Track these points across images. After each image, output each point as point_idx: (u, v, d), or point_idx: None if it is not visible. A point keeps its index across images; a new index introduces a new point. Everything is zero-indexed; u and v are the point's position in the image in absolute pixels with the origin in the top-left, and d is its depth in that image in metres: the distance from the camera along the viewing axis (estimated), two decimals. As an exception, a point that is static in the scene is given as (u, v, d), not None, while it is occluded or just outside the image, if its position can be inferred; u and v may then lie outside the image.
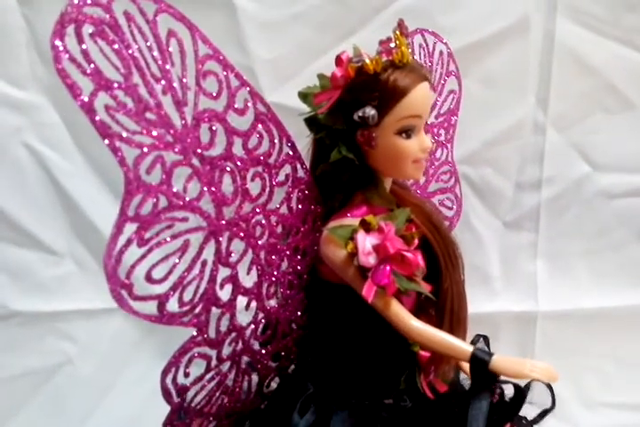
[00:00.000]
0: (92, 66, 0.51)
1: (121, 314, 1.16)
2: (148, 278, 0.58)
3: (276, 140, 0.68)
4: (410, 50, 0.68)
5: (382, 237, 0.67)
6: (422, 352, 0.77)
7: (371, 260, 0.66)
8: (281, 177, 0.70)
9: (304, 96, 0.70)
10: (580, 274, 1.16)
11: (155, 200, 0.57)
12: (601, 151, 1.12)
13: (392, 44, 0.66)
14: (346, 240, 0.67)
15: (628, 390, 1.16)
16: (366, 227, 0.68)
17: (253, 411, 0.80)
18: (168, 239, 0.59)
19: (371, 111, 0.66)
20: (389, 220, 0.70)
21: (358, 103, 0.67)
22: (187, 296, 0.62)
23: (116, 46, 0.53)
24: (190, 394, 0.67)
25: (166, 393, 0.64)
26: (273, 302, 0.73)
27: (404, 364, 0.77)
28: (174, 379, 0.64)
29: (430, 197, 0.95)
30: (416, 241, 0.70)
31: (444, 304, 0.76)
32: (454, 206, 1.00)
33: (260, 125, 0.66)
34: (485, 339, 1.08)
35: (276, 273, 0.72)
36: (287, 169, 0.70)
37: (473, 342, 1.07)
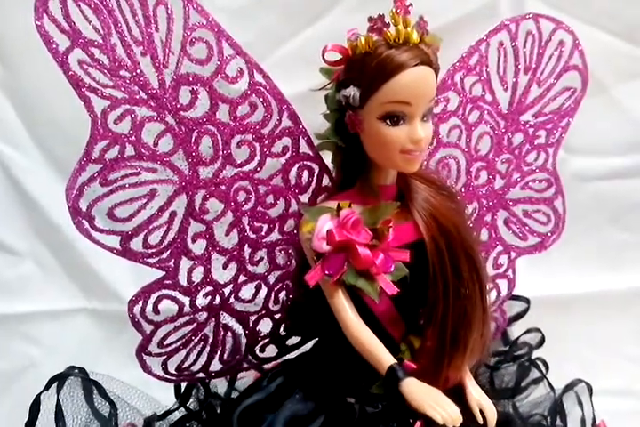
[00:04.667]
0: (70, 24, 0.60)
1: (86, 314, 1.15)
2: (111, 215, 0.66)
3: (273, 112, 0.69)
4: (418, 29, 0.62)
5: (336, 223, 0.64)
6: (408, 362, 0.72)
7: (324, 245, 0.64)
8: (276, 148, 0.71)
9: (326, 72, 0.70)
10: (554, 259, 1.07)
11: (120, 147, 0.65)
12: (573, 135, 0.96)
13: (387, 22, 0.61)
14: (312, 221, 0.66)
15: (606, 376, 1.12)
16: (338, 212, 0.66)
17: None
18: (133, 183, 0.66)
19: (352, 91, 0.63)
20: (372, 211, 0.67)
21: (346, 83, 0.65)
22: (152, 240, 0.69)
23: (97, 10, 0.61)
24: (163, 331, 0.74)
25: (134, 322, 0.72)
26: (259, 269, 0.75)
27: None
28: (143, 311, 0.72)
29: (511, 206, 0.84)
30: (390, 236, 0.65)
31: (430, 316, 0.69)
32: (550, 222, 0.86)
33: (254, 95, 0.68)
34: (588, 386, 0.94)
35: (262, 241, 0.74)
36: (286, 142, 0.71)
37: (570, 385, 0.94)
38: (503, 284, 0.89)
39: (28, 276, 1.15)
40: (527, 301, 1.02)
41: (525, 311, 1.02)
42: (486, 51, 0.79)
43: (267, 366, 0.85)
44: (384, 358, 0.63)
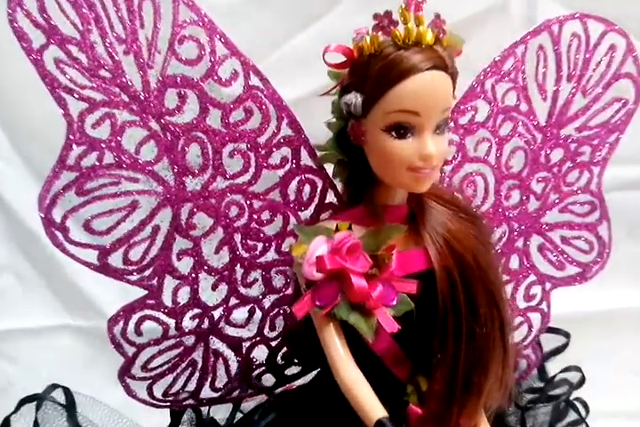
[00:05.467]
0: (46, 19, 0.55)
1: (68, 331, 1.06)
2: (87, 228, 0.61)
3: (270, 119, 0.62)
4: (434, 29, 0.54)
5: (330, 247, 0.56)
6: (414, 406, 0.63)
7: (314, 272, 0.57)
8: (274, 159, 0.64)
9: (335, 76, 0.62)
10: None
11: (99, 154, 0.59)
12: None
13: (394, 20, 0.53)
14: (305, 243, 0.59)
15: (622, 397, 1.06)
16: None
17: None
18: (112, 194, 0.60)
19: (353, 98, 0.56)
20: (374, 235, 0.59)
21: (348, 88, 0.57)
22: (133, 256, 0.63)
23: (76, 3, 0.56)
24: (146, 353, 0.69)
25: (115, 343, 0.66)
26: (253, 292, 0.68)
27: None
28: (124, 332, 0.66)
29: (547, 231, 0.74)
30: (392, 264, 0.57)
31: (438, 358, 0.61)
32: (593, 250, 0.76)
33: (249, 100, 0.62)
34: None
35: (256, 262, 0.67)
36: (285, 152, 0.64)
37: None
38: (536, 318, 0.79)
39: (7, 290, 1.07)
40: (567, 335, 0.92)
41: (565, 346, 0.93)
42: (523, 55, 0.70)
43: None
44: (373, 409, 0.55)
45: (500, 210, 0.73)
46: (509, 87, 0.70)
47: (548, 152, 0.73)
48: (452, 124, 0.69)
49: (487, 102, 0.70)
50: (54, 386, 0.72)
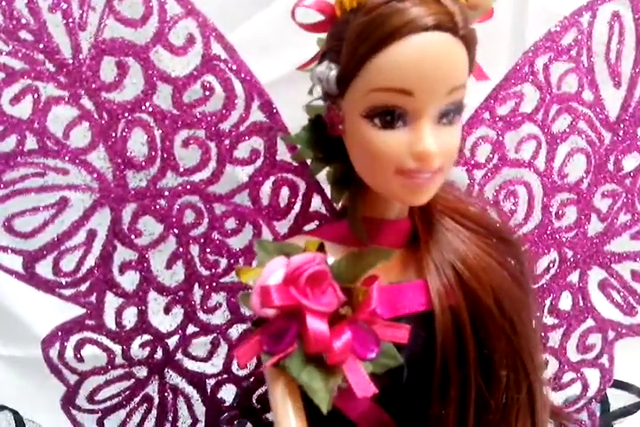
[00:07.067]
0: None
1: (4, 361, 0.89)
2: (9, 228, 0.50)
3: (237, 99, 0.49)
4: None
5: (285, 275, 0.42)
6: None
7: (263, 308, 0.42)
8: (241, 152, 0.50)
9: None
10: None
11: (19, 137, 0.48)
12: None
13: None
14: (260, 265, 0.44)
15: None
16: (303, 253, 0.43)
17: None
18: (37, 188, 0.49)
19: (326, 71, 0.41)
20: (352, 260, 0.43)
21: (323, 57, 0.42)
22: (66, 265, 0.52)
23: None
24: (91, 383, 0.57)
25: (52, 368, 0.56)
26: (216, 319, 0.55)
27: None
28: (61, 356, 0.55)
29: (612, 263, 0.57)
30: (371, 302, 0.41)
31: None
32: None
33: (209, 74, 0.48)
34: None
35: (220, 282, 0.53)
36: (256, 143, 0.50)
37: None
38: (593, 375, 0.61)
39: None
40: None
41: (637, 407, 0.73)
42: (590, 25, 0.54)
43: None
44: None
45: (548, 232, 0.57)
46: (569, 68, 0.55)
47: (620, 157, 0.57)
48: (487, 115, 0.54)
49: (537, 87, 0.55)
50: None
